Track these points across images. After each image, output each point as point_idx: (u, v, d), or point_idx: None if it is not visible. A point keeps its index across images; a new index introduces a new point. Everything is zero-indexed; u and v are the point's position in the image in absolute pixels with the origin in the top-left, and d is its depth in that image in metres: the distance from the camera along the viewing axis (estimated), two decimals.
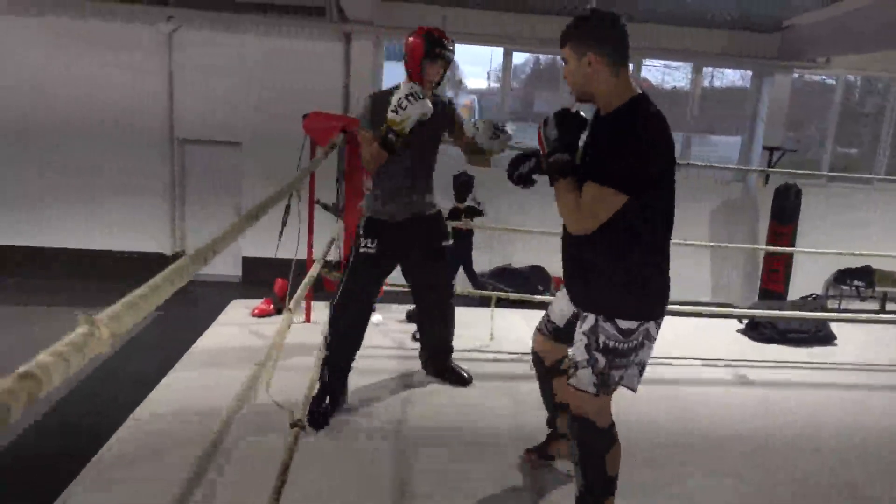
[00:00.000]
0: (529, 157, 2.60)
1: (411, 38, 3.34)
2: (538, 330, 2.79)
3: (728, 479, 3.09)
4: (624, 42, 2.24)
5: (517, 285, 8.21)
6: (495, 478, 2.94)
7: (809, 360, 4.73)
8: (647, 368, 4.14)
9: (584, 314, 2.34)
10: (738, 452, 3.32)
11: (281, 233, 4.29)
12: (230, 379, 3.65)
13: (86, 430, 3.78)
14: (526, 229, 4.72)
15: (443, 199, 4.00)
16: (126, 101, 8.51)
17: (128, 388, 3.96)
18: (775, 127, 9.32)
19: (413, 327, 4.51)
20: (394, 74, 8.75)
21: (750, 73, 9.66)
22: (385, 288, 4.38)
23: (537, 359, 2.83)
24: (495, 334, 4.59)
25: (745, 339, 5.10)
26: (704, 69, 9.66)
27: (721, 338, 5.08)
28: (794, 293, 8.87)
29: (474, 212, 7.07)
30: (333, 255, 5.10)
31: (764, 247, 8.65)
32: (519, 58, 9.33)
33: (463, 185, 7.18)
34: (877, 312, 9.05)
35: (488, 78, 10.30)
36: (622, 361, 2.29)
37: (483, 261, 8.58)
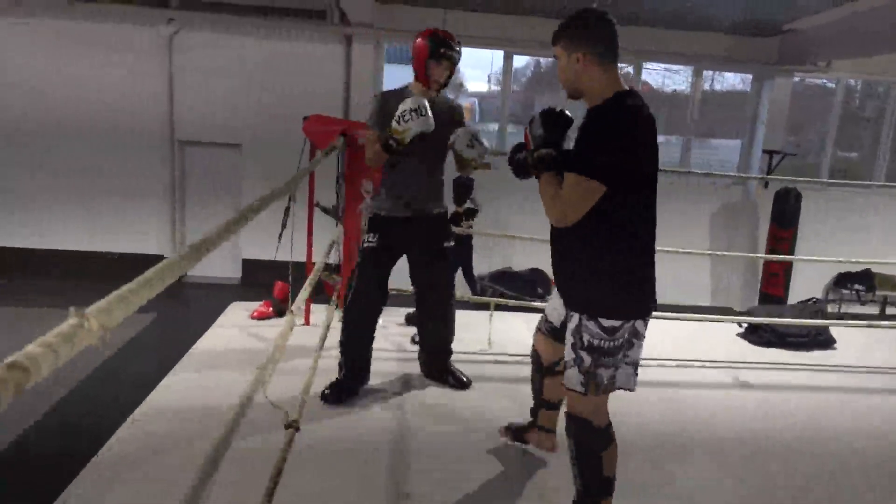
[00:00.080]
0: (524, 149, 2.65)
1: (418, 39, 3.39)
2: (538, 329, 2.85)
3: (728, 480, 3.08)
4: (613, 41, 2.31)
5: (517, 288, 8.21)
6: (494, 480, 2.94)
7: (809, 363, 4.73)
8: (648, 371, 4.15)
9: (571, 313, 2.38)
10: (738, 456, 3.32)
11: (280, 235, 4.29)
12: (229, 381, 3.67)
13: (85, 431, 3.78)
14: (523, 236, 4.71)
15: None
16: (126, 104, 8.52)
17: (127, 389, 3.96)
18: (775, 130, 9.32)
19: (412, 330, 4.50)
20: (394, 77, 8.76)
21: (750, 76, 9.66)
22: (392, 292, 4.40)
23: (536, 356, 2.90)
24: (495, 338, 4.59)
25: (744, 342, 5.10)
26: (705, 72, 9.67)
27: (721, 341, 5.08)
28: (794, 297, 8.87)
29: (472, 212, 7.07)
30: (333, 259, 5.10)
31: (763, 255, 8.65)
32: (520, 61, 9.34)
33: (463, 188, 7.18)
34: (877, 316, 9.05)
35: (489, 81, 10.32)
36: (609, 360, 2.30)
37: (483, 264, 8.58)
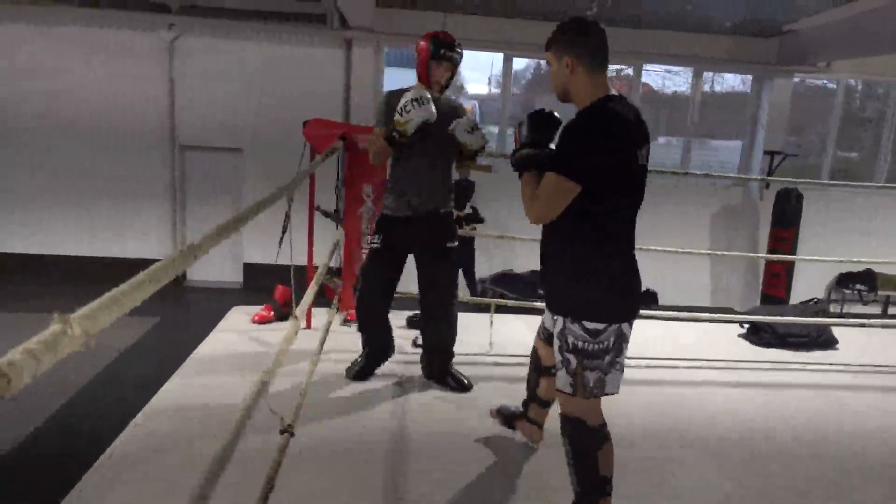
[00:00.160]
0: None
1: (421, 42, 3.49)
2: (537, 335, 2.96)
3: (728, 482, 3.08)
4: (602, 48, 2.37)
5: (518, 290, 8.21)
6: (493, 481, 2.94)
7: (810, 364, 4.72)
8: (649, 371, 4.15)
9: (555, 317, 2.43)
10: (738, 457, 3.31)
11: (281, 240, 4.29)
12: (230, 384, 3.68)
13: (88, 434, 3.79)
14: (524, 237, 4.71)
15: None
16: (128, 108, 8.54)
17: (130, 392, 3.97)
18: (776, 131, 9.32)
19: (414, 333, 4.51)
20: (394, 80, 8.77)
21: (750, 77, 9.66)
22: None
23: (535, 355, 3.02)
24: (496, 340, 4.59)
25: (745, 343, 5.09)
26: (705, 74, 9.67)
27: (722, 342, 5.07)
28: (795, 298, 8.86)
29: (474, 219, 7.09)
30: (334, 262, 5.10)
31: (763, 255, 8.64)
32: (519, 63, 9.35)
33: (463, 190, 7.20)
34: (879, 316, 9.03)
35: (489, 83, 10.32)
36: (594, 363, 2.35)
37: (484, 266, 8.59)
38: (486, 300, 4.99)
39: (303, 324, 4.67)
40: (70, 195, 8.71)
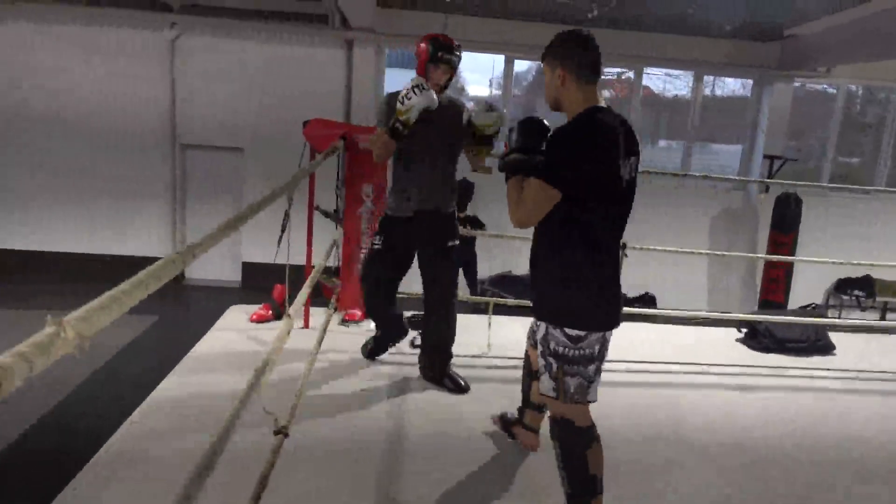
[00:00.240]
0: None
1: (421, 44, 3.54)
2: (528, 339, 3.03)
3: (727, 488, 3.07)
4: (593, 62, 2.44)
5: (517, 292, 8.20)
6: (490, 483, 2.93)
7: (809, 369, 4.72)
8: (648, 376, 4.15)
9: (538, 323, 2.49)
10: (737, 462, 3.31)
11: (280, 239, 4.30)
12: (227, 383, 3.67)
13: (85, 431, 3.79)
14: (525, 237, 4.71)
15: None
16: (129, 107, 8.55)
17: (127, 390, 3.97)
18: (776, 136, 9.32)
19: (412, 334, 4.51)
20: (395, 81, 8.78)
21: (751, 81, 9.66)
22: None
23: (527, 359, 3.10)
24: (494, 341, 4.58)
25: (743, 347, 5.09)
26: (706, 78, 9.67)
27: (720, 346, 5.07)
28: (794, 303, 8.86)
29: (476, 224, 7.10)
30: (332, 262, 5.10)
31: (763, 255, 8.64)
32: (520, 65, 9.36)
33: (464, 191, 7.19)
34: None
35: (490, 85, 10.33)
36: (575, 369, 2.40)
37: (484, 268, 8.59)
38: (485, 299, 4.99)
39: (299, 323, 4.68)
40: (70, 193, 8.71)
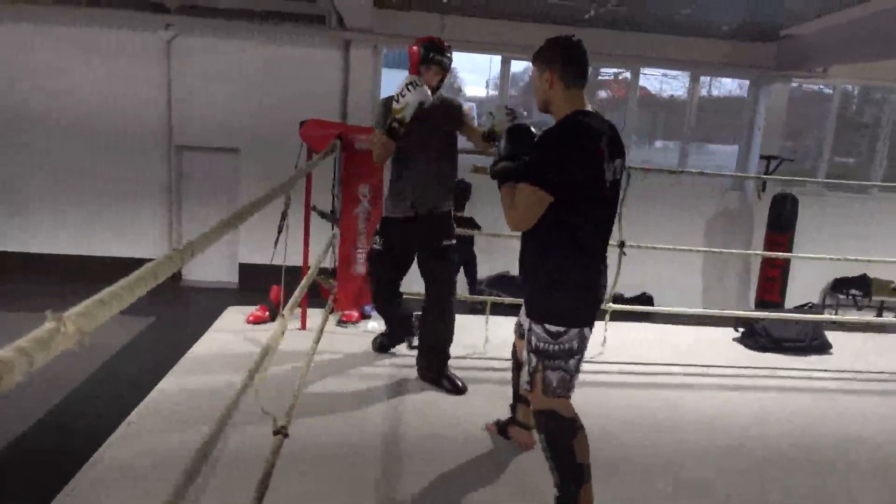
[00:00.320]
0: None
1: (413, 46, 3.63)
2: (515, 331, 3.09)
3: (727, 489, 3.07)
4: (580, 66, 2.52)
5: (515, 293, 8.19)
6: (487, 483, 2.94)
7: (806, 368, 4.73)
8: (646, 376, 4.16)
9: (526, 318, 2.59)
10: (736, 464, 3.31)
11: (277, 240, 4.29)
12: (224, 385, 3.66)
13: (82, 432, 3.79)
14: (519, 238, 4.73)
15: None
16: (124, 108, 8.52)
17: (124, 391, 3.96)
18: (772, 136, 9.33)
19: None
20: (392, 82, 8.77)
21: (747, 82, 9.68)
22: None
23: (514, 353, 3.15)
24: (492, 341, 4.58)
25: (741, 347, 5.10)
26: (702, 78, 9.69)
27: (718, 346, 5.08)
28: (790, 303, 8.86)
29: (471, 225, 7.11)
30: (329, 263, 5.10)
31: (760, 252, 8.65)
32: (517, 65, 9.35)
33: (460, 192, 7.21)
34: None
35: (487, 86, 10.34)
36: (555, 363, 2.49)
37: (483, 268, 8.59)
38: (483, 298, 4.99)
39: (295, 324, 4.68)
40: (69, 194, 8.69)
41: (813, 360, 4.90)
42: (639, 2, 7.55)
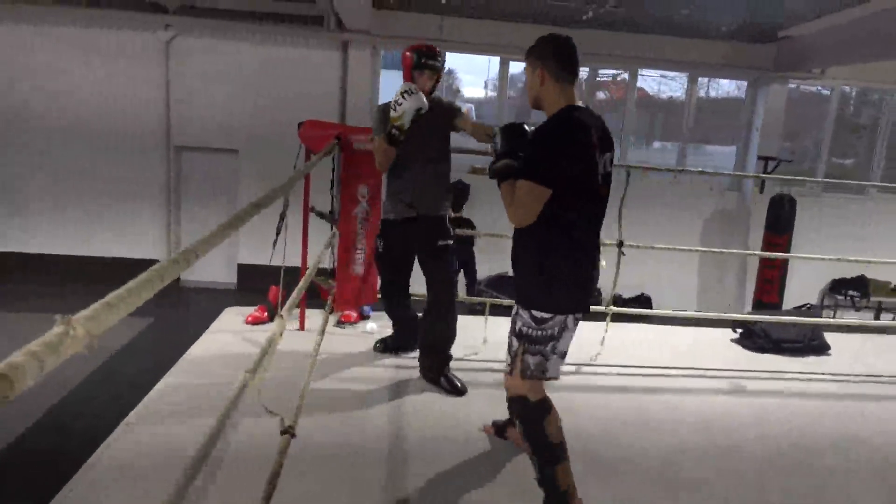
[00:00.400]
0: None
1: (405, 53, 3.73)
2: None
3: (727, 491, 3.08)
4: (570, 62, 2.60)
5: (514, 294, 8.20)
6: (489, 483, 2.94)
7: (804, 369, 4.73)
8: (642, 377, 4.16)
9: (514, 307, 2.67)
10: (735, 466, 3.30)
11: (275, 241, 4.29)
12: (222, 385, 3.64)
13: (81, 433, 3.79)
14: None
15: None
16: (123, 108, 8.52)
17: (123, 392, 3.96)
18: (770, 137, 9.35)
19: None
20: (391, 83, 8.78)
21: (745, 83, 9.70)
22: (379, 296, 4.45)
23: None
24: (491, 342, 4.59)
25: (739, 347, 5.10)
26: (700, 79, 9.70)
27: (716, 347, 5.08)
28: (788, 304, 8.88)
29: (468, 226, 7.13)
30: (328, 263, 5.10)
31: (759, 252, 8.66)
32: (516, 66, 9.36)
33: (459, 193, 7.21)
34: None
35: (486, 87, 10.35)
36: (536, 348, 2.58)
37: (482, 269, 8.59)
38: (482, 300, 5.00)
39: (293, 325, 4.68)
40: (68, 195, 8.69)
41: (811, 361, 4.90)
42: (637, 3, 7.57)
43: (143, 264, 1.18)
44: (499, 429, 3.36)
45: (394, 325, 4.35)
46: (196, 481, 2.56)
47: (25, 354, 0.65)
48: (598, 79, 9.96)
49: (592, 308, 4.52)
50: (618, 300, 7.95)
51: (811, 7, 7.48)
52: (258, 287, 5.62)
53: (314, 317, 4.68)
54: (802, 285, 9.37)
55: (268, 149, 8.31)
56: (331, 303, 4.51)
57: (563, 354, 2.66)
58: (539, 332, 2.56)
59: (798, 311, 6.74)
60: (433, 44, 3.84)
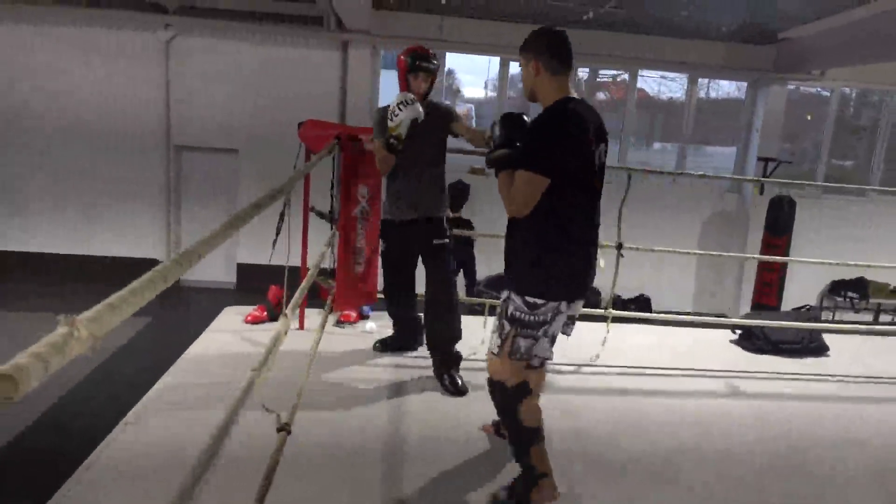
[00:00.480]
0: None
1: (400, 56, 3.81)
2: None
3: (726, 493, 3.07)
4: (564, 54, 2.64)
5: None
6: (487, 485, 2.94)
7: (803, 371, 4.73)
8: (642, 378, 4.16)
9: (504, 291, 2.71)
10: (735, 467, 3.30)
11: (275, 241, 4.29)
12: (222, 384, 3.66)
13: (79, 433, 3.78)
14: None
15: None
16: (123, 108, 8.52)
17: (121, 391, 3.96)
18: (770, 138, 9.36)
19: None
20: (390, 82, 8.76)
21: (745, 84, 9.70)
22: (379, 295, 4.45)
23: None
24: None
25: (738, 349, 5.10)
26: (700, 80, 9.71)
27: (715, 348, 5.08)
28: (787, 306, 8.89)
29: (466, 226, 7.13)
30: (328, 263, 5.10)
31: (758, 256, 8.66)
32: (516, 67, 9.35)
33: (459, 193, 7.21)
34: (870, 324, 9.07)
35: (486, 87, 10.35)
36: (528, 332, 2.62)
37: (482, 269, 8.58)
38: (481, 300, 5.00)
39: (293, 324, 4.67)
40: (68, 194, 8.69)
41: (810, 363, 4.90)
42: (637, 3, 7.57)
43: (142, 264, 1.18)
44: (498, 428, 3.36)
45: (394, 325, 4.36)
46: (196, 480, 2.56)
47: (30, 356, 0.65)
48: (598, 79, 9.97)
49: (592, 311, 4.56)
50: (617, 301, 7.96)
51: (811, 8, 7.48)
52: (258, 287, 5.62)
53: (313, 316, 4.68)
54: (802, 287, 9.37)
55: (268, 148, 8.31)
56: (330, 302, 4.51)
57: (554, 338, 2.72)
58: (532, 318, 2.60)
59: (797, 312, 6.74)
60: (428, 46, 3.90)
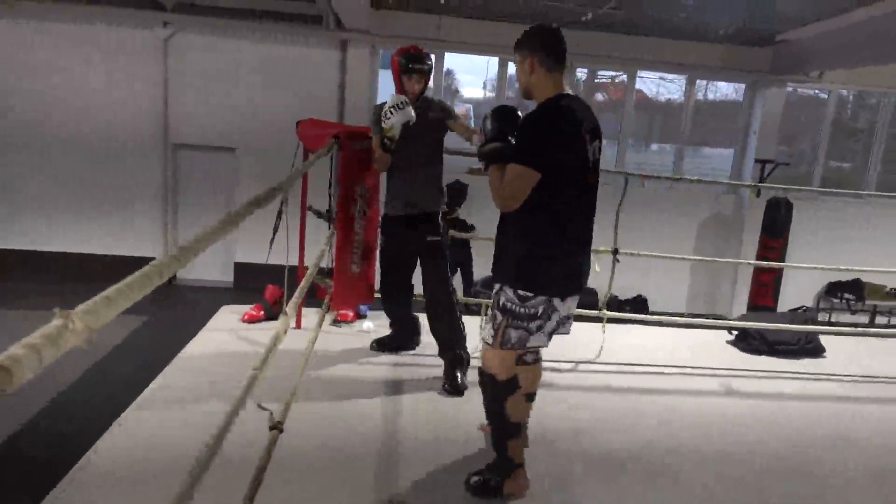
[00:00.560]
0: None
1: (393, 57, 3.84)
2: None
3: (725, 494, 3.07)
4: (559, 51, 2.66)
5: None
6: None
7: (799, 372, 4.74)
8: (638, 379, 4.16)
9: (495, 284, 2.73)
10: (733, 468, 3.30)
11: (272, 240, 4.29)
12: (218, 384, 3.65)
13: (73, 433, 3.77)
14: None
15: None
16: (121, 106, 8.51)
17: (117, 390, 3.95)
18: (768, 140, 9.37)
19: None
20: (389, 82, 8.76)
21: (743, 86, 9.71)
22: (376, 295, 4.45)
23: None
24: None
25: (734, 350, 5.11)
26: (698, 82, 9.72)
27: (712, 349, 5.09)
28: (783, 307, 8.90)
29: (464, 227, 7.13)
30: (326, 262, 5.09)
31: (755, 262, 8.67)
32: (514, 67, 9.37)
33: (456, 192, 7.21)
34: (867, 326, 9.09)
35: (484, 87, 10.35)
36: (519, 324, 2.64)
37: (478, 270, 8.59)
38: (478, 300, 5.00)
39: (291, 323, 4.67)
40: (67, 192, 8.68)
41: (806, 364, 4.91)
42: (636, 5, 7.57)
43: (141, 262, 1.17)
44: None
45: (392, 325, 4.36)
46: (191, 479, 2.55)
47: (24, 347, 0.65)
48: (596, 80, 9.97)
49: (589, 312, 4.56)
50: (614, 301, 7.96)
51: (809, 11, 7.49)
52: (255, 286, 5.62)
53: (310, 315, 4.68)
54: (798, 288, 9.39)
55: (266, 147, 8.30)
56: (327, 301, 4.50)
57: (550, 334, 2.71)
58: (522, 310, 2.61)
59: (793, 313, 6.74)
60: (426, 46, 3.93)
